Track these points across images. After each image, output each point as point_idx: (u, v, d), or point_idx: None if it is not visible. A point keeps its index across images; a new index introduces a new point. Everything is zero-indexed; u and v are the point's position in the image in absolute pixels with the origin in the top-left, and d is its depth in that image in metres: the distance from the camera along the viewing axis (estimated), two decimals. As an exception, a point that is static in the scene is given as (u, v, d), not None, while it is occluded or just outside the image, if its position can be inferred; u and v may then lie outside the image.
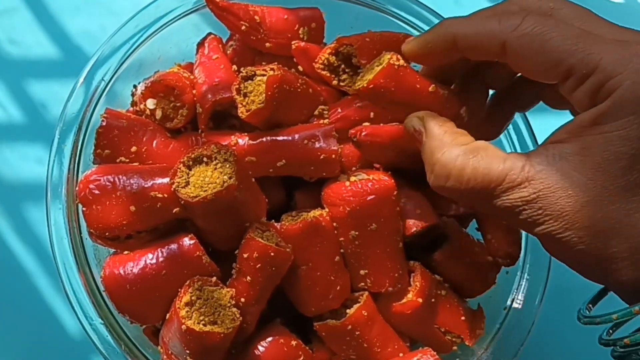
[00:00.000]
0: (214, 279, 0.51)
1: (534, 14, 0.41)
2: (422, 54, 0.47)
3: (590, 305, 0.45)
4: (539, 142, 0.47)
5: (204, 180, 0.50)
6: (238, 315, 0.50)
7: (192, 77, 0.58)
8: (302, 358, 0.53)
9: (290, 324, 0.55)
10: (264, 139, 0.54)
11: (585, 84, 0.39)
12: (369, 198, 0.53)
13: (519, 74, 0.49)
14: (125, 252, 0.53)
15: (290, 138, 0.54)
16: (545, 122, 0.54)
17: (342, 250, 0.54)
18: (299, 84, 0.55)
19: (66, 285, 0.54)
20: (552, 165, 0.39)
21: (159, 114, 0.57)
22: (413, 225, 0.55)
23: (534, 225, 0.40)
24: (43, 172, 0.57)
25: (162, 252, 0.52)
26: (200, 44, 0.61)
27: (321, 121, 0.56)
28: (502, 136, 0.60)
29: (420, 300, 0.55)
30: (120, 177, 0.52)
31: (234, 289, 0.51)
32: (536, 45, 0.40)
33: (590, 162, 0.38)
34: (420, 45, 0.47)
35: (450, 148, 0.43)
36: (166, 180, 0.52)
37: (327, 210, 0.54)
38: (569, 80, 0.39)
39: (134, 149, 0.55)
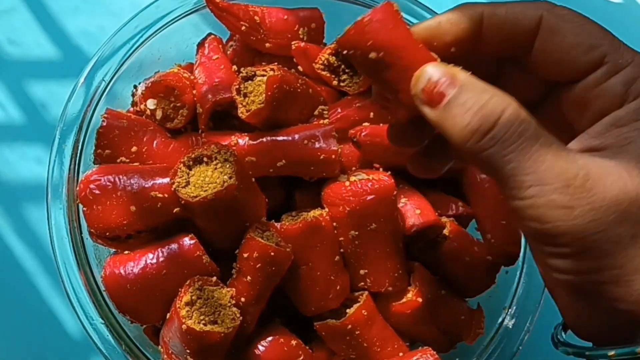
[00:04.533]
0: (214, 278, 0.52)
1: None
2: (440, 34, 0.40)
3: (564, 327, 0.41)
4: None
5: (204, 180, 0.50)
6: (238, 315, 0.50)
7: (192, 77, 0.58)
8: (302, 358, 0.54)
9: (290, 323, 0.55)
10: (264, 139, 0.54)
11: (620, 75, 0.37)
12: (368, 198, 0.53)
13: None
14: (126, 252, 0.53)
15: (290, 138, 0.54)
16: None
17: (342, 250, 0.54)
18: (298, 84, 0.55)
19: (67, 285, 0.54)
20: (597, 160, 0.36)
21: (159, 114, 0.57)
22: (413, 225, 0.55)
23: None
24: (43, 172, 0.57)
25: (162, 252, 0.52)
26: (201, 45, 0.61)
27: (321, 121, 0.56)
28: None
29: (420, 300, 0.55)
30: (121, 177, 0.52)
31: (234, 289, 0.51)
32: (573, 25, 0.38)
33: (629, 155, 0.36)
34: (441, 23, 0.40)
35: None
36: (166, 180, 0.52)
37: (327, 210, 0.54)
38: (600, 70, 0.37)
39: (134, 149, 0.55)
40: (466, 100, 0.35)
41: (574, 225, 0.34)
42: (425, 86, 0.37)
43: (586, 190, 0.34)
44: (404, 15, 0.61)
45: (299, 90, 0.55)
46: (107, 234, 0.53)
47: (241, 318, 0.50)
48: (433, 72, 0.37)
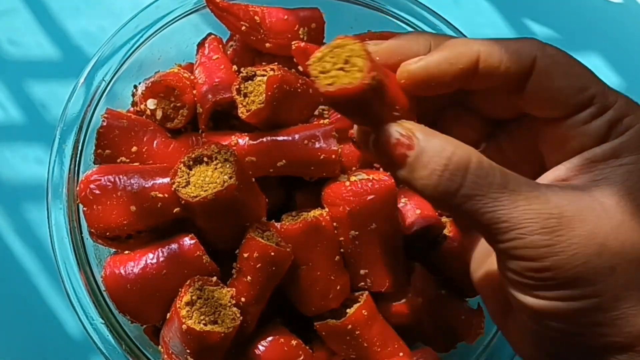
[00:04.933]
0: (215, 278, 0.52)
1: None
2: (439, 75, 0.39)
3: None
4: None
5: (205, 180, 0.50)
6: (238, 315, 0.50)
7: (192, 77, 0.58)
8: (302, 358, 0.54)
9: (290, 323, 0.55)
10: (264, 139, 0.54)
11: (605, 116, 0.38)
12: (368, 198, 0.53)
13: None
14: (126, 252, 0.53)
15: (290, 138, 0.54)
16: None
17: (342, 250, 0.54)
18: (299, 84, 0.55)
19: (67, 285, 0.54)
20: (569, 195, 0.36)
21: (159, 114, 0.57)
22: (413, 224, 0.55)
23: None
24: (43, 173, 0.57)
25: (162, 252, 0.52)
26: (201, 45, 0.61)
27: (321, 121, 0.56)
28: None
29: (420, 300, 0.55)
30: (121, 177, 0.52)
31: (234, 289, 0.51)
32: (564, 67, 0.39)
33: (612, 191, 0.36)
34: (440, 64, 0.39)
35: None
36: (166, 180, 0.52)
37: (327, 210, 0.54)
38: (587, 111, 0.38)
39: (134, 149, 0.55)
40: (428, 162, 0.36)
41: (557, 260, 0.35)
42: (385, 148, 0.37)
43: (563, 228, 0.35)
44: (403, 15, 0.61)
45: (299, 90, 0.55)
46: (107, 233, 0.53)
47: (241, 318, 0.50)
48: (392, 132, 0.37)
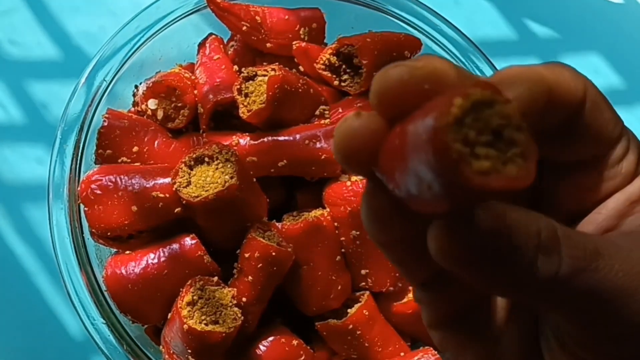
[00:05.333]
0: (216, 278, 0.52)
1: None
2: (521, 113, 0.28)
3: None
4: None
5: (206, 180, 0.50)
6: (239, 315, 0.50)
7: (193, 77, 0.58)
8: (303, 357, 0.54)
9: (291, 323, 0.55)
10: (265, 139, 0.54)
11: (634, 149, 0.32)
12: (370, 198, 0.53)
13: None
14: (127, 252, 0.53)
15: (291, 138, 0.54)
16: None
17: (343, 250, 0.54)
18: (300, 84, 0.55)
19: (68, 285, 0.54)
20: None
21: (160, 114, 0.57)
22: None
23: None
24: (44, 173, 0.57)
25: (163, 252, 0.52)
26: (201, 45, 0.61)
27: (322, 121, 0.56)
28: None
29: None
30: (122, 177, 0.52)
31: (235, 289, 0.51)
32: (602, 96, 0.32)
33: None
34: (523, 100, 0.28)
35: None
36: (168, 180, 0.52)
37: (328, 210, 0.54)
38: (620, 145, 0.32)
39: (135, 149, 0.55)
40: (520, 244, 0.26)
41: None
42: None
43: None
44: (404, 15, 0.61)
45: (300, 90, 0.55)
46: (109, 234, 0.53)
47: (242, 318, 0.50)
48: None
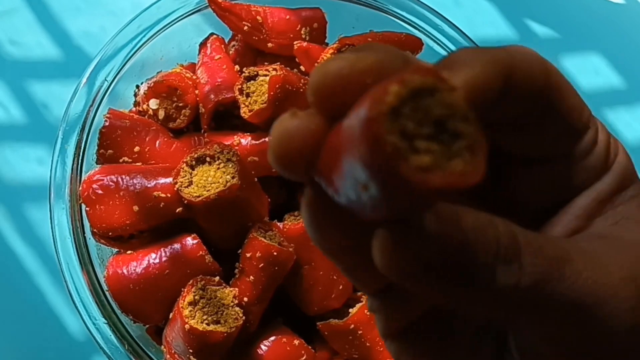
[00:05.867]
0: (217, 278, 0.52)
1: None
2: (474, 96, 0.24)
3: None
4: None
5: (207, 180, 0.50)
6: (241, 315, 0.50)
7: (194, 77, 0.58)
8: (304, 357, 0.54)
9: (292, 323, 0.55)
10: (267, 139, 0.54)
11: (602, 141, 0.29)
12: (371, 197, 0.53)
13: None
14: (129, 252, 0.53)
15: (292, 138, 0.54)
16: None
17: (344, 250, 0.54)
18: (301, 84, 0.55)
19: (69, 285, 0.54)
20: (616, 249, 0.27)
21: (161, 114, 0.57)
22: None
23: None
24: (44, 173, 0.57)
25: (165, 252, 0.52)
26: (203, 45, 0.61)
27: (323, 121, 0.56)
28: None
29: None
30: (123, 177, 0.52)
31: (236, 289, 0.51)
32: (567, 81, 0.28)
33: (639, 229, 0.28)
34: (474, 81, 0.24)
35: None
36: (169, 180, 0.52)
37: (329, 209, 0.54)
38: (588, 135, 0.28)
39: (136, 149, 0.55)
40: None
41: None
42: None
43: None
44: (404, 14, 0.61)
45: (301, 90, 0.55)
46: (110, 233, 0.53)
47: (244, 318, 0.51)
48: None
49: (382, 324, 0.28)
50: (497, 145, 0.28)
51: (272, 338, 0.53)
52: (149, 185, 0.52)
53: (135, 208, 0.52)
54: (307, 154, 0.21)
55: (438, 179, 0.18)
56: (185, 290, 0.50)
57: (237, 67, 0.58)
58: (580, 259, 0.25)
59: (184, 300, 0.50)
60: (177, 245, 0.52)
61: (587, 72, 0.76)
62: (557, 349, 0.25)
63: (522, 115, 0.27)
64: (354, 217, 0.21)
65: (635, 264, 0.26)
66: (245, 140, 0.55)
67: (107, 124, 0.55)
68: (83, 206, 0.54)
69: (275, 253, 0.50)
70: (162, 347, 0.53)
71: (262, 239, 0.51)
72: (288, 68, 0.55)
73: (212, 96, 0.55)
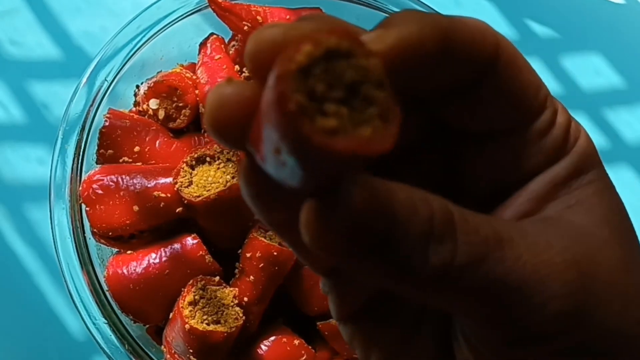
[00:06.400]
0: (217, 278, 0.52)
1: None
2: (407, 54, 0.24)
3: None
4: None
5: (207, 180, 0.50)
6: (241, 315, 0.50)
7: (194, 77, 0.58)
8: (304, 357, 0.54)
9: (292, 323, 0.55)
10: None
11: (561, 123, 0.28)
12: (371, 197, 0.53)
13: None
14: (129, 252, 0.53)
15: (292, 138, 0.54)
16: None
17: (344, 250, 0.54)
18: (301, 84, 0.55)
19: (69, 285, 0.54)
20: (563, 233, 0.26)
21: (161, 114, 0.57)
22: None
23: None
24: (45, 173, 0.57)
25: (165, 252, 0.52)
26: (203, 45, 0.61)
27: (324, 121, 0.56)
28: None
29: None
30: (124, 177, 0.52)
31: (237, 289, 0.51)
32: (522, 57, 0.27)
33: (596, 217, 0.27)
34: (407, 40, 0.24)
35: None
36: (169, 180, 0.52)
37: (329, 209, 0.54)
38: (543, 116, 0.28)
39: (136, 149, 0.55)
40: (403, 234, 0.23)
41: (590, 326, 0.26)
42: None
43: (585, 279, 0.25)
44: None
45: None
46: (110, 233, 0.53)
47: (244, 318, 0.51)
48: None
49: (334, 306, 0.28)
50: (447, 120, 0.27)
51: (273, 338, 0.53)
52: (149, 185, 0.52)
53: (136, 208, 0.52)
54: (240, 121, 0.21)
55: (342, 143, 0.18)
56: (186, 290, 0.50)
57: (237, 67, 0.58)
58: (522, 241, 0.24)
59: (184, 300, 0.50)
60: (177, 245, 0.52)
61: (587, 72, 0.76)
62: (497, 336, 0.24)
63: (468, 85, 0.26)
64: (283, 188, 0.20)
65: (579, 249, 0.25)
66: (245, 140, 0.55)
67: (107, 124, 0.55)
68: (83, 206, 0.54)
69: (275, 253, 0.50)
70: (162, 347, 0.53)
71: (263, 239, 0.51)
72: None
73: (213, 96, 0.55)
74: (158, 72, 0.59)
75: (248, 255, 0.51)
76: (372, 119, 0.18)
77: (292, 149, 0.18)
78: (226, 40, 0.61)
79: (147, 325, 0.55)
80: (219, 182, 0.50)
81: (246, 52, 0.21)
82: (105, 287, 0.53)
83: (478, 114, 0.27)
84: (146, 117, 0.57)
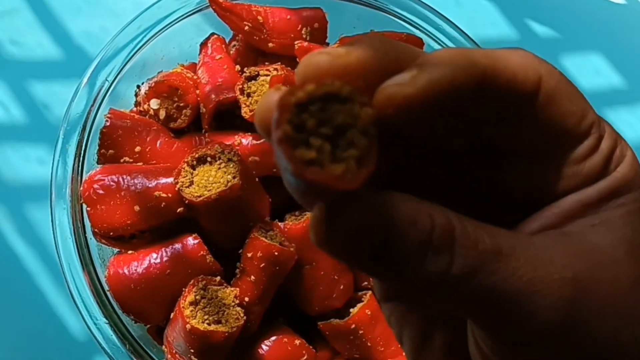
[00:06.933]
0: (218, 278, 0.52)
1: None
2: (435, 98, 0.25)
3: None
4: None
5: (208, 180, 0.50)
6: (242, 315, 0.50)
7: (195, 77, 0.58)
8: (305, 357, 0.54)
9: (293, 323, 0.55)
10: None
11: (602, 150, 0.29)
12: (372, 197, 0.53)
13: None
14: (130, 252, 0.53)
15: (293, 138, 0.54)
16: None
17: (345, 250, 0.54)
18: (302, 84, 0.55)
19: (71, 285, 0.54)
20: (571, 249, 0.28)
21: (162, 114, 0.57)
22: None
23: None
24: (45, 173, 0.57)
25: (166, 252, 0.52)
26: (203, 45, 0.61)
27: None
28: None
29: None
30: (124, 177, 0.52)
31: (237, 288, 0.51)
32: (568, 87, 0.29)
33: (617, 238, 0.28)
34: (440, 84, 0.25)
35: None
36: (170, 180, 0.52)
37: (330, 209, 0.54)
38: (586, 143, 0.29)
39: (137, 149, 0.55)
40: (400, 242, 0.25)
41: (578, 341, 0.27)
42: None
43: (581, 297, 0.27)
44: (405, 14, 0.61)
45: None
46: (111, 233, 0.53)
47: (245, 317, 0.51)
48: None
49: (376, 288, 0.31)
50: (489, 137, 0.29)
51: (273, 338, 0.53)
52: (150, 185, 0.52)
53: (137, 208, 0.52)
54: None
55: (313, 174, 0.20)
56: (187, 290, 0.50)
57: (238, 67, 0.58)
58: (523, 255, 0.26)
59: (185, 300, 0.50)
60: (178, 245, 0.52)
61: (587, 72, 0.76)
62: (495, 336, 0.26)
63: (508, 113, 0.28)
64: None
65: (581, 267, 0.27)
66: (246, 140, 0.55)
67: (108, 124, 0.55)
68: (84, 206, 0.54)
69: (276, 253, 0.50)
70: (163, 347, 0.53)
71: (263, 239, 0.51)
72: (289, 68, 0.55)
73: (213, 96, 0.55)
74: (159, 72, 0.59)
75: (249, 255, 0.51)
76: (349, 159, 0.20)
77: (281, 167, 0.21)
78: (227, 40, 0.61)
79: (148, 325, 0.55)
80: (220, 182, 0.50)
81: (296, 73, 0.24)
82: (106, 287, 0.53)
83: (517, 137, 0.28)
84: (147, 117, 0.57)
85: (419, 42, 0.60)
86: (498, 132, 0.29)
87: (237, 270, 0.52)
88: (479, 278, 0.25)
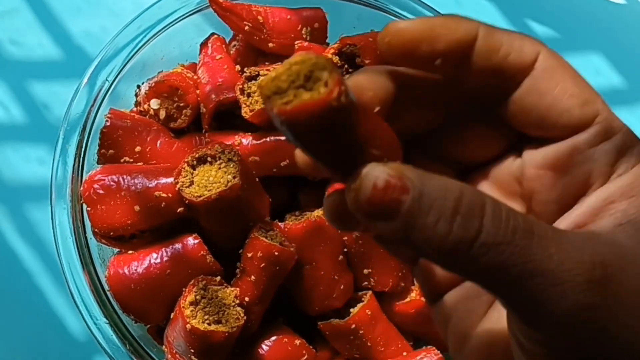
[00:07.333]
0: (218, 278, 0.52)
1: None
2: (432, 38, 0.31)
3: None
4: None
5: (208, 180, 0.50)
6: (242, 315, 0.50)
7: (195, 77, 0.58)
8: (305, 357, 0.54)
9: (293, 323, 0.55)
10: (268, 139, 0.54)
11: (613, 140, 0.31)
12: (372, 197, 0.53)
13: None
14: (130, 252, 0.53)
15: (293, 138, 0.54)
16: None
17: (345, 250, 0.54)
18: (302, 84, 0.55)
19: (71, 285, 0.54)
20: (601, 242, 0.29)
21: (162, 114, 0.57)
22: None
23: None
24: (45, 173, 0.57)
25: (166, 252, 0.52)
26: (204, 45, 0.61)
27: (324, 121, 0.56)
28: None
29: (423, 299, 0.55)
30: (125, 177, 0.52)
31: (238, 288, 0.51)
32: (569, 71, 0.31)
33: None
34: (435, 26, 0.31)
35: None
36: (170, 180, 0.52)
37: (330, 209, 0.54)
38: (592, 129, 0.31)
39: (138, 149, 0.55)
40: (431, 205, 0.26)
41: (608, 322, 0.28)
42: (370, 195, 0.27)
43: (610, 282, 0.28)
44: (406, 14, 0.61)
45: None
46: (111, 233, 0.53)
47: (245, 317, 0.51)
48: (378, 173, 0.27)
49: (423, 290, 0.35)
50: (509, 123, 0.32)
51: (274, 338, 0.53)
52: (150, 185, 0.52)
53: (137, 208, 0.52)
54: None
55: (290, 105, 0.25)
56: (187, 290, 0.50)
57: (238, 67, 0.58)
58: (554, 238, 0.27)
59: (185, 300, 0.50)
60: (178, 245, 0.52)
61: (587, 72, 0.75)
62: (517, 312, 0.28)
63: (503, 89, 0.31)
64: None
65: (611, 256, 0.28)
66: (246, 140, 0.55)
67: (108, 124, 0.55)
68: (84, 206, 0.54)
69: (276, 253, 0.50)
70: (164, 347, 0.53)
71: (264, 239, 0.51)
72: (289, 68, 0.55)
73: (213, 96, 0.55)
74: (159, 72, 0.59)
75: (249, 255, 0.51)
76: (317, 88, 0.25)
77: (279, 127, 0.26)
78: (227, 40, 0.61)
79: (148, 325, 0.55)
80: (220, 182, 0.50)
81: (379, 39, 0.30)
82: (106, 287, 0.53)
83: (519, 117, 0.31)
84: (147, 117, 0.57)
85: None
86: (506, 113, 0.31)
87: (237, 270, 0.52)
88: (507, 252, 0.26)
